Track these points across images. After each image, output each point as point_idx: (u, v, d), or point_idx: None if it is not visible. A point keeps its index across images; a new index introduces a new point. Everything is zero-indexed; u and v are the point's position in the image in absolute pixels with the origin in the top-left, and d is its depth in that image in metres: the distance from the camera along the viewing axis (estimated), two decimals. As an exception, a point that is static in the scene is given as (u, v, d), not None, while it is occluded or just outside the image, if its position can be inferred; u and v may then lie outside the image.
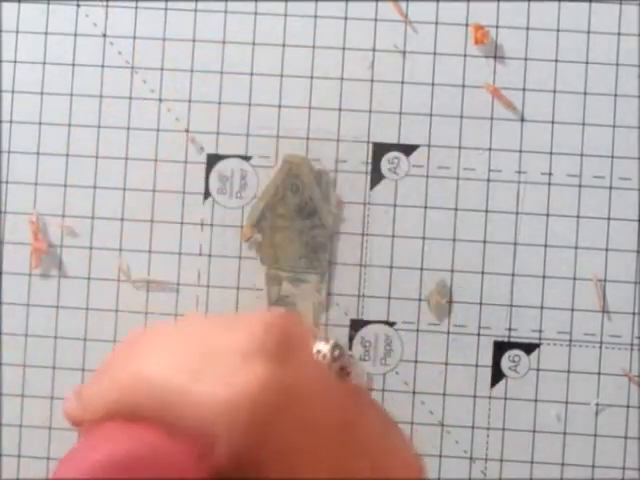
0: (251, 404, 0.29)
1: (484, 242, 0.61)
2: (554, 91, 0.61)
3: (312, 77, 0.62)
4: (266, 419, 0.29)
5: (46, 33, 0.63)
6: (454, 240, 0.61)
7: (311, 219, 0.61)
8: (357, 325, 0.61)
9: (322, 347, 0.34)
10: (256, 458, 0.29)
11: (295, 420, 0.30)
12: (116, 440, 0.31)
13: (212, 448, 0.30)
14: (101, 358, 0.62)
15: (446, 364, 0.61)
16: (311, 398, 0.31)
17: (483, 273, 0.61)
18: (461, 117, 0.61)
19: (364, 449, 0.32)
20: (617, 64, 0.61)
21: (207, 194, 0.62)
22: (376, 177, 0.62)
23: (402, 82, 0.62)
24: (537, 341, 0.61)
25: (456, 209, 0.61)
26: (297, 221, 0.61)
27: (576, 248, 0.61)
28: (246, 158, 0.62)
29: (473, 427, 0.61)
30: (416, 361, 0.61)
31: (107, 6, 0.63)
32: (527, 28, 0.62)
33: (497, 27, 0.62)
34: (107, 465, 0.30)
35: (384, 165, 0.62)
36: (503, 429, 0.61)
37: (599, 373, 0.61)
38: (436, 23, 0.62)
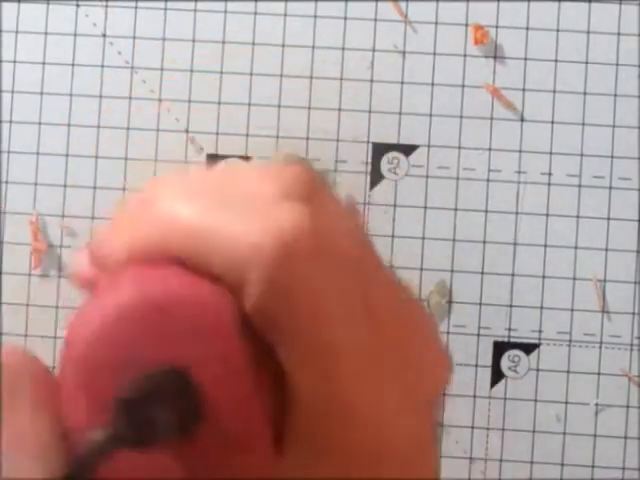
0: (283, 244, 0.28)
1: (484, 242, 0.61)
2: (554, 91, 0.61)
3: (312, 77, 0.62)
4: (298, 261, 0.28)
5: (46, 33, 0.63)
6: (454, 240, 0.61)
7: (311, 219, 0.61)
8: (357, 325, 0.61)
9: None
10: (287, 300, 0.28)
11: (326, 263, 0.29)
12: (146, 280, 0.29)
13: (243, 289, 0.28)
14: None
15: (446, 364, 0.61)
16: (340, 240, 0.30)
17: (483, 273, 0.61)
18: (461, 117, 0.62)
19: (391, 288, 0.31)
20: (617, 64, 0.61)
21: (207, 194, 0.62)
22: (376, 177, 0.62)
23: (402, 82, 0.62)
24: (537, 341, 0.61)
25: (456, 209, 0.61)
26: (297, 221, 0.61)
27: (576, 248, 0.61)
28: (246, 158, 0.62)
29: (473, 427, 0.61)
30: (416, 361, 0.61)
31: (107, 6, 0.63)
32: (527, 28, 0.62)
33: (497, 27, 0.62)
34: (140, 305, 0.28)
35: (384, 165, 0.62)
36: (503, 429, 0.61)
37: (599, 373, 0.61)
38: (436, 23, 0.62)
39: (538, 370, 0.61)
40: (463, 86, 0.62)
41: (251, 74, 0.62)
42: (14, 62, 0.63)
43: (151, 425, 0.28)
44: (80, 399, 0.29)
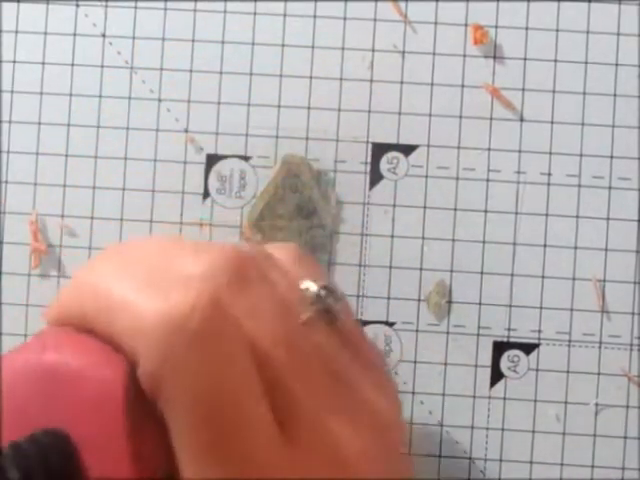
0: (166, 321, 0.28)
1: (483, 242, 0.61)
2: (553, 91, 0.61)
3: (311, 77, 0.62)
4: (180, 339, 0.28)
5: (45, 33, 0.63)
6: (453, 240, 0.61)
7: (310, 219, 0.61)
8: (356, 325, 0.61)
9: (310, 285, 0.32)
10: (162, 378, 0.28)
11: (212, 349, 0.28)
12: (48, 345, 0.30)
13: (136, 366, 0.29)
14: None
15: (445, 364, 0.61)
16: (256, 337, 0.29)
17: (482, 273, 0.61)
18: (460, 117, 0.61)
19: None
20: (617, 64, 0.61)
21: (206, 194, 0.62)
22: (375, 177, 0.62)
23: (401, 82, 0.62)
24: (536, 341, 0.61)
25: (455, 209, 0.61)
26: (296, 221, 0.61)
27: (575, 248, 0.61)
28: (245, 158, 0.62)
29: (472, 427, 0.61)
30: (415, 361, 0.61)
31: (106, 6, 0.63)
32: (526, 28, 0.62)
33: (496, 27, 0.62)
34: (33, 369, 0.29)
35: (383, 165, 0.62)
36: (502, 429, 0.61)
37: (598, 373, 0.61)
38: (435, 23, 0.62)
39: (538, 370, 0.61)
40: (463, 86, 0.62)
41: (251, 74, 0.62)
42: (14, 62, 0.63)
43: None
44: None
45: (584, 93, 0.61)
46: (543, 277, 0.61)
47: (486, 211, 0.61)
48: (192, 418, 0.27)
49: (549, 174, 0.61)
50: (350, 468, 0.30)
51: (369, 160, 0.62)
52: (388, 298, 0.61)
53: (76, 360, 0.29)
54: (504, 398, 0.61)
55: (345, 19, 0.62)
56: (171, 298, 0.28)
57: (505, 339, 0.61)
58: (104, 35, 0.63)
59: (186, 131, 0.62)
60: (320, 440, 0.29)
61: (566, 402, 0.61)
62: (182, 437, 0.28)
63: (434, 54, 0.62)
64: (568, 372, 0.61)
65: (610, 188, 0.61)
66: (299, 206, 0.61)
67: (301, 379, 0.30)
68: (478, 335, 0.61)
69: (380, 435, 0.32)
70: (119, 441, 0.28)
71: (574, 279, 0.61)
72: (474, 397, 0.61)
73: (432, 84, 0.62)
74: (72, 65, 0.63)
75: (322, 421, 0.29)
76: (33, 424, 0.29)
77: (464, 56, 0.62)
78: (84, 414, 0.29)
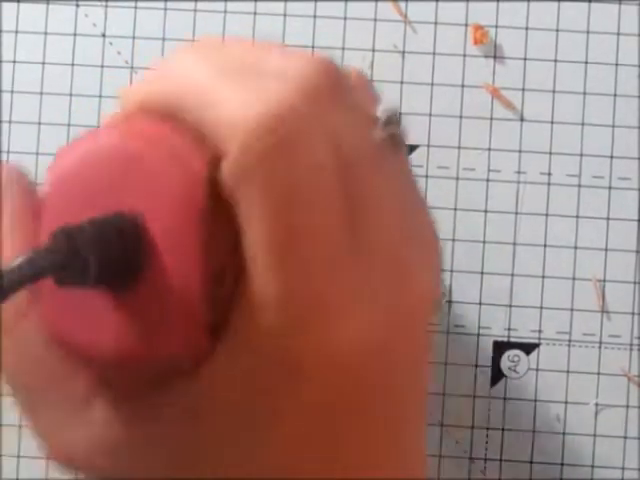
0: (268, 117, 0.27)
1: (483, 242, 0.61)
2: (553, 91, 0.61)
3: (312, 77, 0.62)
4: (281, 137, 0.27)
5: (45, 33, 0.63)
6: (453, 240, 0.61)
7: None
8: (357, 325, 0.61)
9: (381, 109, 0.32)
10: (260, 174, 0.27)
11: (311, 148, 0.27)
12: (128, 130, 0.29)
13: (219, 160, 0.28)
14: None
15: (445, 364, 0.61)
16: (340, 134, 0.28)
17: (482, 273, 0.61)
18: (460, 117, 0.61)
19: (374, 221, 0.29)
20: (617, 64, 0.61)
21: (207, 194, 0.62)
22: (376, 177, 0.62)
23: (401, 82, 0.62)
24: (536, 341, 0.61)
25: (455, 209, 0.61)
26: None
27: (575, 248, 0.61)
28: (246, 158, 0.62)
29: (473, 427, 0.61)
30: (416, 361, 0.61)
31: (106, 6, 0.63)
32: (526, 28, 0.62)
33: (496, 27, 0.62)
34: (109, 151, 0.28)
35: (384, 165, 0.62)
36: (502, 429, 0.61)
37: (598, 373, 0.61)
38: (435, 23, 0.62)
39: (538, 370, 0.61)
40: (463, 86, 0.62)
41: (251, 74, 0.62)
42: (14, 62, 0.63)
43: (83, 261, 0.27)
44: (45, 230, 0.29)
45: (584, 93, 0.61)
46: (543, 277, 0.61)
47: (486, 211, 0.61)
48: (269, 216, 0.27)
49: (549, 174, 0.61)
50: (413, 290, 0.30)
51: (369, 160, 0.62)
52: (388, 298, 0.61)
53: (157, 147, 0.28)
54: (504, 398, 0.61)
55: (345, 19, 0.62)
56: (268, 92, 0.27)
57: (505, 339, 0.61)
58: (104, 35, 0.63)
59: (186, 131, 0.62)
60: (389, 262, 0.29)
61: (566, 402, 0.61)
62: (254, 235, 0.27)
63: (434, 54, 0.62)
64: (568, 372, 0.61)
65: (610, 188, 0.61)
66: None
67: (378, 195, 0.29)
68: (478, 335, 0.61)
69: (435, 266, 0.32)
70: (191, 234, 0.28)
71: (574, 279, 0.61)
72: (474, 397, 0.61)
73: (432, 84, 0.62)
74: (72, 65, 0.63)
75: (395, 245, 0.29)
76: (104, 208, 0.28)
77: (464, 56, 0.62)
78: (160, 205, 0.28)
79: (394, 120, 0.31)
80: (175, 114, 0.28)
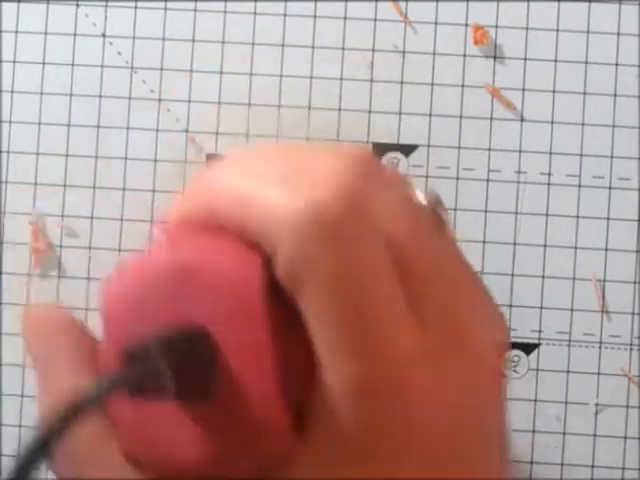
0: (315, 212, 0.27)
1: (484, 242, 0.61)
2: (554, 91, 0.61)
3: (312, 77, 0.62)
4: (327, 232, 0.27)
5: (45, 33, 0.63)
6: (454, 240, 0.61)
7: (311, 219, 0.61)
8: (357, 325, 0.61)
9: (421, 193, 0.32)
10: (314, 269, 0.27)
11: (358, 239, 0.28)
12: (180, 241, 0.29)
13: (273, 257, 0.28)
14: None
15: (446, 364, 0.61)
16: (382, 221, 0.29)
17: (482, 273, 0.61)
18: (460, 117, 0.61)
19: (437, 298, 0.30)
20: (617, 64, 0.61)
21: (207, 194, 0.62)
22: (376, 177, 0.62)
23: (401, 82, 0.62)
24: (536, 341, 0.61)
25: (455, 209, 0.61)
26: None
27: (576, 248, 0.61)
28: (246, 158, 0.62)
29: (473, 427, 0.61)
30: (416, 361, 0.61)
31: (107, 6, 0.63)
32: (527, 28, 0.62)
33: (496, 27, 0.62)
34: (167, 265, 0.29)
35: (384, 165, 0.62)
36: (503, 429, 0.61)
37: (598, 373, 0.61)
38: (435, 23, 0.62)
39: (538, 370, 0.61)
40: (463, 86, 0.62)
41: (251, 74, 0.62)
42: (14, 62, 0.63)
43: (154, 373, 0.28)
44: (109, 353, 0.29)
45: (584, 93, 0.61)
46: (543, 277, 0.61)
47: (486, 211, 0.61)
48: (332, 306, 0.27)
49: (549, 174, 0.61)
50: (479, 356, 0.30)
51: (369, 160, 0.62)
52: (388, 298, 0.61)
53: (211, 256, 0.29)
54: (504, 398, 0.61)
55: (345, 19, 0.62)
56: (311, 188, 0.28)
57: (505, 339, 0.61)
58: (104, 35, 0.63)
59: (186, 131, 0.62)
60: (450, 326, 0.29)
61: (566, 402, 0.61)
62: (321, 329, 0.27)
63: (434, 54, 0.62)
64: (568, 372, 0.61)
65: (610, 188, 0.61)
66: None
67: (434, 273, 0.30)
68: (478, 335, 0.61)
69: (500, 330, 0.32)
70: (259, 339, 0.28)
71: (574, 279, 0.61)
72: (474, 397, 0.61)
73: (432, 84, 0.62)
74: (72, 65, 0.63)
75: (452, 308, 0.30)
76: (167, 322, 0.28)
77: (464, 56, 0.62)
78: (224, 313, 0.28)
79: (439, 202, 0.32)
80: (222, 223, 0.29)
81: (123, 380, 0.27)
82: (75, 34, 0.63)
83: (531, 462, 0.61)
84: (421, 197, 0.31)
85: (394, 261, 0.28)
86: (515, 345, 0.61)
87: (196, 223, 0.30)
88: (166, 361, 0.27)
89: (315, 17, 0.62)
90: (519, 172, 0.61)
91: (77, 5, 0.63)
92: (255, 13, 0.62)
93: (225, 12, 0.62)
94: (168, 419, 0.28)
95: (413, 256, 0.29)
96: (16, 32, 0.63)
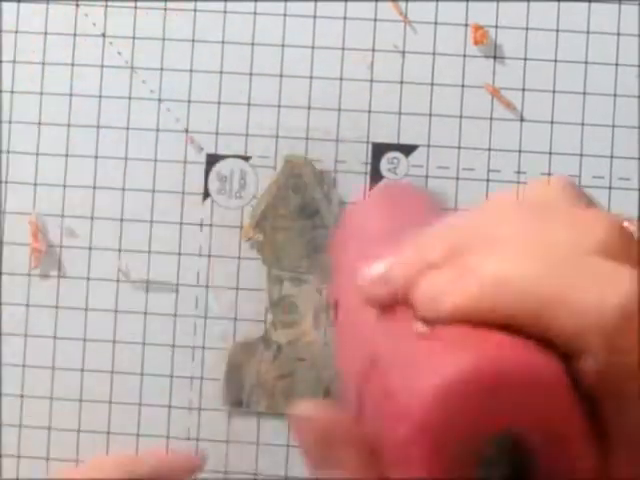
0: (624, 309, 0.28)
1: (484, 242, 0.61)
2: (553, 91, 0.61)
3: (312, 77, 0.62)
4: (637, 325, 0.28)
5: (45, 33, 0.63)
6: (454, 240, 0.61)
7: (313, 219, 0.61)
8: (357, 325, 0.61)
9: (628, 225, 0.32)
10: (629, 366, 0.28)
11: None
12: (483, 346, 0.28)
13: (581, 356, 0.28)
14: (101, 358, 0.62)
15: (446, 364, 0.61)
16: None
17: (483, 273, 0.61)
18: (460, 117, 0.62)
19: None
20: (617, 64, 0.61)
21: (206, 194, 0.62)
22: (376, 177, 0.62)
23: (401, 82, 0.62)
24: (537, 341, 0.61)
25: (456, 209, 0.61)
26: (299, 221, 0.61)
27: (576, 248, 0.61)
28: (245, 158, 0.62)
29: (473, 427, 0.61)
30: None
31: (106, 6, 0.63)
32: (526, 28, 0.62)
33: (496, 27, 0.62)
34: (481, 372, 0.27)
35: (383, 165, 0.62)
36: (503, 429, 0.61)
37: (599, 373, 0.61)
38: (435, 23, 0.62)
39: (538, 370, 0.61)
40: (463, 86, 0.62)
41: (251, 74, 0.62)
42: (14, 62, 0.63)
43: None
44: (414, 460, 0.28)
45: (584, 93, 0.61)
46: (543, 277, 0.61)
47: (486, 211, 0.61)
48: None
49: (549, 174, 0.61)
50: None
51: (369, 160, 0.62)
52: (388, 298, 0.61)
53: (519, 361, 0.28)
54: None
55: (345, 19, 0.62)
56: (606, 287, 0.28)
57: (505, 339, 0.61)
58: (104, 35, 0.63)
59: (186, 131, 0.62)
60: None
61: (566, 402, 0.61)
62: (632, 428, 0.28)
63: (434, 54, 0.62)
64: (568, 372, 0.61)
65: (610, 188, 0.61)
66: (301, 206, 0.61)
67: None
68: (478, 335, 0.61)
69: None
70: (575, 442, 0.28)
71: (574, 279, 0.61)
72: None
73: (432, 84, 0.62)
74: (72, 65, 0.63)
75: None
76: (486, 430, 0.28)
77: (464, 56, 0.62)
78: (533, 417, 0.28)
79: None
80: (508, 320, 0.29)
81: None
82: (75, 34, 0.63)
83: (531, 462, 0.61)
84: (632, 227, 0.32)
85: None
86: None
87: (473, 320, 0.29)
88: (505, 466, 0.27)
89: (315, 17, 0.62)
90: (519, 172, 0.61)
91: (77, 5, 0.63)
92: (255, 13, 0.62)
93: (225, 12, 0.62)
94: None
95: None
96: (16, 32, 0.63)
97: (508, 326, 0.29)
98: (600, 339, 0.28)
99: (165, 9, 0.62)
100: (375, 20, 0.62)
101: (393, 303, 0.31)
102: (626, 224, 0.31)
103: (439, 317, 0.29)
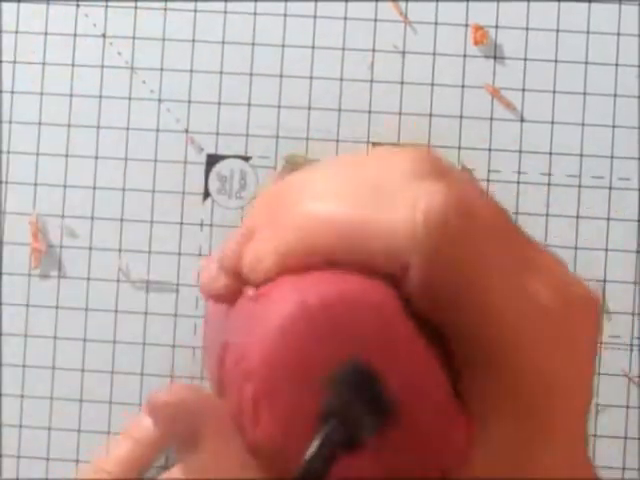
0: (434, 223, 0.28)
1: (484, 242, 0.61)
2: (554, 91, 0.61)
3: (312, 77, 0.62)
4: (456, 235, 0.28)
5: (45, 33, 0.63)
6: (454, 240, 0.61)
7: (311, 219, 0.61)
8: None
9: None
10: (452, 278, 0.28)
11: (478, 230, 0.29)
12: (307, 286, 0.28)
13: (404, 277, 0.28)
14: (101, 358, 0.62)
15: (446, 364, 0.61)
16: (482, 205, 0.30)
17: (483, 273, 0.61)
18: (461, 117, 0.61)
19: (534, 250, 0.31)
20: (617, 64, 0.61)
21: (207, 194, 0.62)
22: (376, 177, 0.62)
23: (402, 82, 0.62)
24: (537, 341, 0.61)
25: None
26: (297, 221, 0.61)
27: (576, 248, 0.61)
28: (246, 158, 0.62)
29: (473, 427, 0.61)
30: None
31: (106, 6, 0.63)
32: (526, 28, 0.62)
33: (497, 27, 0.62)
34: (309, 311, 0.28)
35: (384, 165, 0.62)
36: (503, 429, 0.61)
37: (599, 373, 0.61)
38: (435, 23, 0.62)
39: (538, 370, 0.61)
40: (463, 86, 0.62)
41: (251, 74, 0.62)
42: (14, 62, 0.63)
43: (357, 426, 0.27)
44: (263, 413, 0.28)
45: (584, 93, 0.61)
46: (543, 277, 0.61)
47: (486, 211, 0.61)
48: (478, 309, 0.28)
49: (549, 174, 0.61)
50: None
51: (369, 160, 0.62)
52: (388, 298, 0.61)
53: (346, 295, 0.28)
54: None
55: (345, 19, 0.62)
56: (422, 204, 0.28)
57: (505, 339, 0.61)
58: (104, 35, 0.63)
59: (186, 131, 0.62)
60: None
61: (566, 402, 0.61)
62: (472, 340, 0.28)
63: (434, 54, 0.62)
64: (568, 372, 0.61)
65: (610, 188, 0.61)
66: (300, 206, 0.61)
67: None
68: (478, 335, 0.61)
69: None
70: (422, 358, 0.28)
71: (574, 279, 0.61)
72: (474, 397, 0.61)
73: (432, 84, 0.62)
74: (72, 65, 0.63)
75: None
76: (326, 366, 0.28)
77: (464, 56, 0.62)
78: (373, 346, 0.28)
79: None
80: (329, 256, 0.29)
81: (337, 439, 0.27)
82: (75, 34, 0.63)
83: (531, 462, 0.61)
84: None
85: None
86: (515, 345, 0.61)
87: (296, 263, 0.29)
88: (361, 408, 0.27)
89: (315, 17, 0.62)
90: (519, 172, 0.61)
91: (77, 5, 0.63)
92: (255, 13, 0.62)
93: (225, 12, 0.62)
94: (355, 461, 0.28)
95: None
96: (16, 32, 0.63)
97: (332, 263, 0.29)
98: (416, 256, 0.28)
99: (165, 9, 0.62)
100: (375, 20, 0.62)
101: (236, 293, 0.31)
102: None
103: (266, 276, 0.29)
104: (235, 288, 0.31)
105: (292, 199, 0.30)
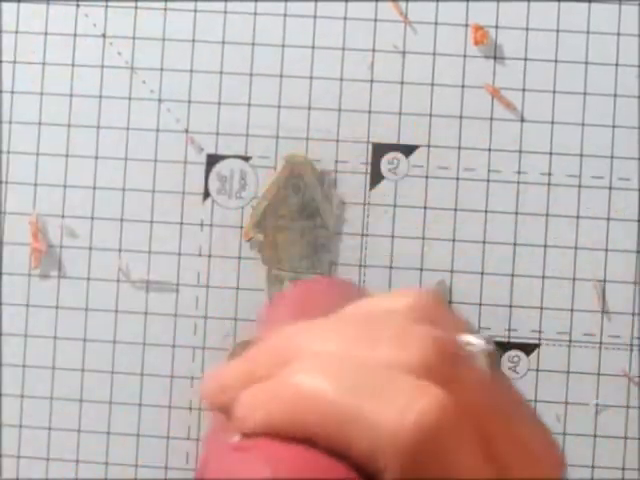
0: (420, 431, 0.28)
1: (484, 242, 0.61)
2: (554, 91, 0.61)
3: (312, 77, 0.62)
4: (440, 446, 0.28)
5: (45, 33, 0.63)
6: (454, 240, 0.61)
7: (313, 219, 0.61)
8: (357, 325, 0.61)
9: (473, 340, 0.32)
10: None
11: (460, 438, 0.28)
12: (279, 460, 0.29)
13: (380, 473, 0.28)
14: (101, 358, 0.62)
15: (446, 364, 0.61)
16: (481, 414, 0.30)
17: (483, 273, 0.61)
18: (461, 117, 0.62)
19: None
20: (617, 64, 0.61)
21: (207, 194, 0.62)
22: (376, 177, 0.62)
23: (402, 82, 0.62)
24: (537, 341, 0.61)
25: (456, 209, 0.61)
26: (299, 221, 0.61)
27: (576, 248, 0.61)
28: (246, 158, 0.62)
29: (473, 427, 0.61)
30: (416, 361, 0.61)
31: (107, 6, 0.63)
32: (527, 28, 0.62)
33: (497, 27, 0.62)
34: None
35: (384, 165, 0.62)
36: (503, 429, 0.61)
37: (598, 373, 0.61)
38: (436, 23, 0.62)
39: (538, 370, 0.61)
40: (463, 86, 0.62)
41: (251, 74, 0.62)
42: (14, 62, 0.63)
43: None
44: None
45: (584, 93, 0.61)
46: (543, 277, 0.61)
47: (486, 211, 0.61)
48: None
49: (549, 174, 0.61)
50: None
51: (370, 160, 0.62)
52: (388, 298, 0.61)
53: (317, 473, 0.28)
54: None
55: (345, 19, 0.62)
56: (404, 404, 0.28)
57: (505, 339, 0.61)
58: (104, 35, 0.63)
59: (186, 131, 0.62)
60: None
61: (566, 402, 0.61)
62: None
63: (434, 54, 0.62)
64: (568, 372, 0.61)
65: (610, 188, 0.61)
66: (302, 206, 0.61)
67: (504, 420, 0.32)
68: (478, 335, 0.61)
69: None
70: None
71: (574, 280, 0.61)
72: (474, 397, 0.61)
73: (432, 84, 0.62)
74: (72, 65, 0.63)
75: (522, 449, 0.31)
76: None
77: (464, 56, 0.62)
78: None
79: (489, 340, 0.32)
80: (310, 435, 0.29)
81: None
82: (75, 34, 0.63)
83: (531, 462, 0.61)
84: (475, 341, 0.31)
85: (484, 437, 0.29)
86: (515, 345, 0.61)
87: (281, 433, 0.29)
88: None
89: (315, 17, 0.62)
90: (519, 172, 0.61)
91: (77, 5, 0.63)
92: (255, 13, 0.62)
93: (225, 12, 0.62)
94: None
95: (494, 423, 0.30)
96: (16, 32, 0.63)
97: (314, 442, 0.29)
98: (394, 458, 0.27)
99: (165, 9, 0.62)
100: (375, 20, 0.62)
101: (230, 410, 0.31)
102: (468, 339, 0.31)
103: (254, 430, 0.30)
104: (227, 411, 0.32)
105: (290, 355, 0.30)
